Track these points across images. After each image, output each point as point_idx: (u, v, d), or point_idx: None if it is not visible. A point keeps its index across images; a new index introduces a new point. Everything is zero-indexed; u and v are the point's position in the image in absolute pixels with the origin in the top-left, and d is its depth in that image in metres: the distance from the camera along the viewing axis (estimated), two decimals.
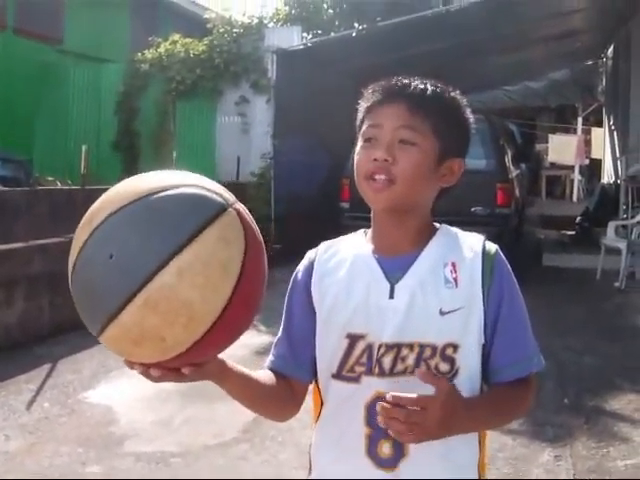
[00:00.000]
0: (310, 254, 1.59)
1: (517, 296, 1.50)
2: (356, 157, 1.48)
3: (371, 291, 1.46)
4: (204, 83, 12.19)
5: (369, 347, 1.44)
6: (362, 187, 1.47)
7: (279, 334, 1.60)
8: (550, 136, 19.11)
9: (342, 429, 1.49)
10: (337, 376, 1.48)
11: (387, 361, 1.43)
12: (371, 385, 1.44)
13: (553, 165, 19.20)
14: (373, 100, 1.49)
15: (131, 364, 1.29)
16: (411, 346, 1.42)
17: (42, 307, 6.51)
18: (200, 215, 1.21)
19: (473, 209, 8.94)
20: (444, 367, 1.42)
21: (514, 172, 10.51)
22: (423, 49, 11.58)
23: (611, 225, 9.65)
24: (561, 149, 18.13)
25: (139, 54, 12.78)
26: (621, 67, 13.73)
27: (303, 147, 11.20)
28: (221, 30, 12.35)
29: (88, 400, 5.00)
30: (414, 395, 1.28)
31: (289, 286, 1.60)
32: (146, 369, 1.28)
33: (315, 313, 1.53)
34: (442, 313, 1.42)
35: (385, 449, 1.44)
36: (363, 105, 1.51)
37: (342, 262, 1.52)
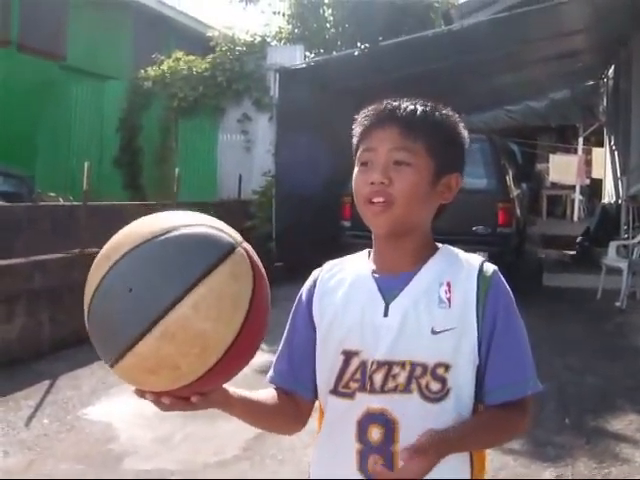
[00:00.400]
0: (315, 273, 1.63)
1: (514, 318, 1.49)
2: (354, 182, 1.51)
3: (367, 309, 1.49)
4: (206, 101, 12.25)
5: (363, 364, 1.46)
6: (362, 211, 1.50)
7: (280, 348, 1.63)
8: (551, 156, 19.13)
9: (337, 445, 1.51)
10: (334, 392, 1.51)
11: (378, 378, 1.45)
12: (363, 401, 1.46)
13: (554, 185, 19.21)
14: (366, 124, 1.52)
15: (142, 393, 1.34)
16: (402, 364, 1.43)
17: (42, 323, 6.50)
18: (213, 253, 1.29)
19: (474, 228, 8.95)
20: (435, 386, 1.43)
21: (515, 192, 10.52)
22: (425, 69, 11.62)
23: (612, 245, 9.64)
24: (562, 169, 18.15)
25: (142, 71, 12.86)
26: (622, 87, 13.76)
27: (304, 165, 11.22)
28: (224, 48, 12.43)
29: (87, 417, 4.99)
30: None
31: (294, 303, 1.63)
32: (157, 397, 1.33)
33: (316, 331, 1.56)
34: (434, 332, 1.44)
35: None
36: (357, 130, 1.55)
37: (343, 281, 1.55)
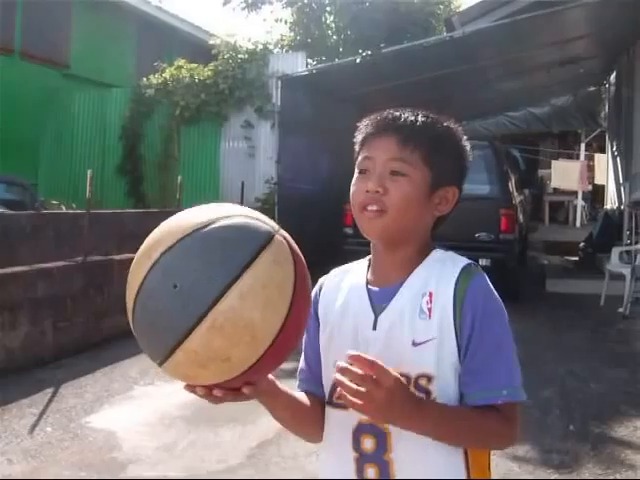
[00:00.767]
0: (321, 281, 1.65)
1: (494, 323, 1.46)
2: (352, 188, 1.53)
3: (359, 323, 1.51)
4: (209, 108, 12.26)
5: None
6: (357, 218, 1.52)
7: (302, 357, 1.67)
8: (553, 162, 19.14)
9: (337, 452, 1.54)
10: (329, 402, 1.55)
11: None
12: (356, 412, 1.44)
13: (556, 191, 19.22)
14: (366, 133, 1.54)
15: (192, 388, 1.35)
16: None
17: (45, 331, 6.51)
18: (254, 242, 1.30)
19: (477, 235, 8.96)
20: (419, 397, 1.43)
21: (518, 198, 10.54)
22: (427, 76, 11.65)
23: (615, 251, 9.64)
24: (564, 175, 18.16)
25: (144, 79, 12.87)
26: (624, 93, 13.77)
27: (307, 172, 11.24)
28: (226, 56, 12.44)
29: (91, 425, 4.98)
30: (371, 358, 1.30)
31: None
32: (208, 391, 1.34)
33: None
34: (415, 344, 1.44)
35: (370, 474, 1.48)
36: (358, 138, 1.57)
37: (341, 292, 1.58)
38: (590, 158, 19.23)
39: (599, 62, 14.76)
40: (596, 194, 19.14)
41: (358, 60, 11.49)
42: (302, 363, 1.66)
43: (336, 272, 1.64)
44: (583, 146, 19.42)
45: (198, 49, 15.01)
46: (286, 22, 16.90)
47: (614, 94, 15.81)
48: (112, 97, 13.33)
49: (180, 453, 4.53)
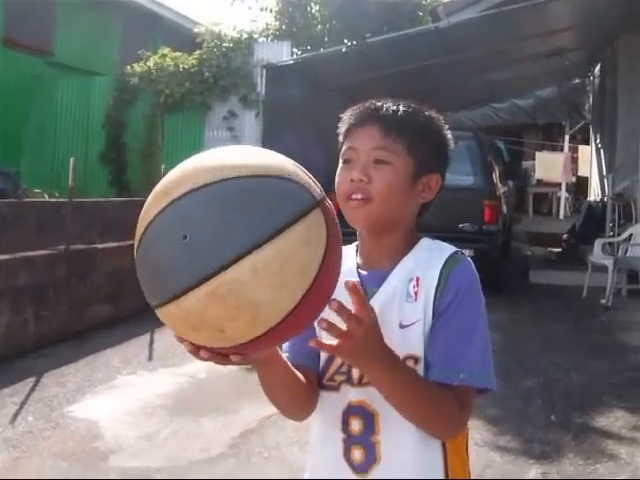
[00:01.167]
0: None
1: (467, 307, 1.48)
2: (337, 178, 1.55)
3: (351, 305, 1.49)
4: (193, 97, 12.19)
5: None
6: (342, 207, 1.53)
7: None
8: (537, 153, 19.22)
9: (325, 432, 1.56)
10: (319, 384, 1.56)
11: (356, 371, 1.49)
12: (348, 393, 1.51)
13: (540, 182, 19.29)
14: (349, 124, 1.56)
15: (181, 340, 1.26)
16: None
17: (27, 320, 6.47)
18: (287, 211, 1.15)
19: (461, 226, 8.98)
20: None
21: (502, 189, 10.57)
22: (412, 66, 11.64)
23: (598, 242, 9.69)
24: (548, 166, 18.24)
25: (128, 67, 12.79)
26: (608, 86, 13.82)
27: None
28: (211, 44, 12.37)
29: (73, 414, 4.96)
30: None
31: None
32: (195, 349, 1.25)
33: None
34: (402, 326, 1.47)
35: (356, 455, 1.50)
36: (342, 128, 1.58)
37: None
38: (574, 150, 19.31)
39: (584, 54, 14.80)
40: (580, 186, 19.22)
41: (344, 50, 11.45)
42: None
43: None
44: (567, 138, 19.51)
45: (183, 38, 14.93)
46: (271, 11, 16.81)
47: (598, 87, 15.87)
48: (96, 85, 13.23)
49: (162, 442, 4.52)
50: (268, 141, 10.81)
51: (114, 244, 7.70)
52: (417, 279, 1.49)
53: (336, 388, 1.52)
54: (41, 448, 4.36)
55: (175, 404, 5.16)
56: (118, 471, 4.09)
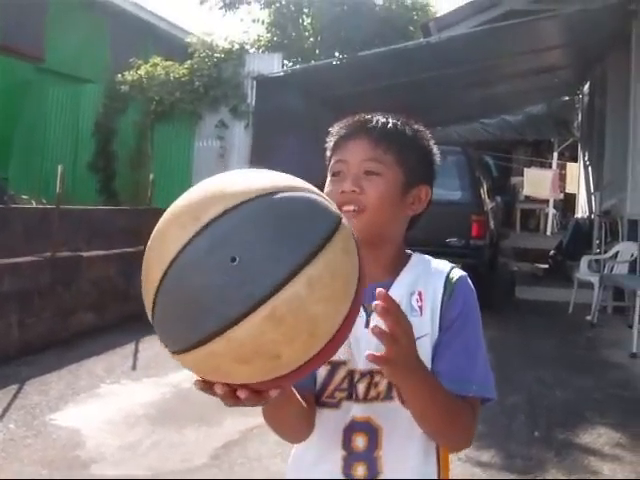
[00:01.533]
0: None
1: (472, 324, 1.51)
2: (326, 190, 1.53)
3: None
4: (183, 106, 12.18)
5: (350, 373, 1.49)
6: None
7: None
8: (526, 170, 19.31)
9: (322, 450, 1.52)
10: (317, 402, 1.53)
11: (362, 387, 1.48)
12: (350, 410, 1.49)
13: (528, 198, 19.39)
14: (338, 136, 1.56)
15: (208, 385, 1.13)
16: (382, 373, 1.43)
17: (11, 326, 6.42)
18: (327, 221, 1.11)
19: (448, 240, 8.99)
20: None
21: (489, 204, 10.60)
22: (403, 80, 11.68)
23: (584, 259, 9.73)
24: (536, 183, 18.32)
25: (119, 75, 12.78)
26: (597, 103, 13.91)
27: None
28: (202, 54, 12.39)
29: (55, 422, 4.93)
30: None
31: None
32: (231, 391, 1.12)
33: None
34: None
35: (359, 472, 1.48)
36: (330, 142, 1.58)
37: None
38: (562, 167, 19.42)
39: (573, 72, 14.90)
40: (567, 203, 19.34)
41: (335, 62, 11.48)
42: None
43: None
44: (556, 155, 19.64)
45: (174, 47, 14.94)
46: (263, 22, 16.88)
47: (587, 104, 15.98)
48: (86, 92, 13.20)
49: (144, 452, 4.49)
50: (257, 152, 10.82)
51: (100, 252, 7.68)
52: (419, 293, 1.49)
53: (336, 405, 1.50)
54: (22, 456, 4.32)
55: (158, 414, 5.14)
56: None
